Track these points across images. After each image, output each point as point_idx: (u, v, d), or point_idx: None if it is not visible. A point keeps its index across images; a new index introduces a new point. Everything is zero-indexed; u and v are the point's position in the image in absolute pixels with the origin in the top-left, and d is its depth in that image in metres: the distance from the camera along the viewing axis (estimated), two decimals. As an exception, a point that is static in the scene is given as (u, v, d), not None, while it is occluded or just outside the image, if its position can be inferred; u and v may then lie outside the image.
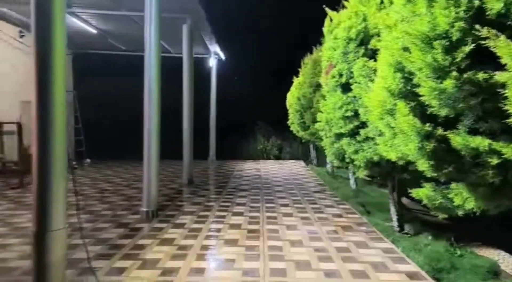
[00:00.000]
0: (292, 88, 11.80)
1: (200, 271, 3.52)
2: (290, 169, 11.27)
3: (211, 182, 8.74)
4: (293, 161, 13.44)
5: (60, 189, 2.74)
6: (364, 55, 4.31)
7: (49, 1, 2.62)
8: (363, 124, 4.53)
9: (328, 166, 10.53)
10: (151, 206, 5.42)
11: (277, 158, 14.01)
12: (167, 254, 3.91)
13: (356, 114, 4.56)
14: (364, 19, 4.35)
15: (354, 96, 4.49)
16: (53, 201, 2.70)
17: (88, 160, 11.46)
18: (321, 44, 9.26)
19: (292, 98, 11.53)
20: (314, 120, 8.60)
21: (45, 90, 2.65)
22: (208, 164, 11.97)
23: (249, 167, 11.45)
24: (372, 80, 3.88)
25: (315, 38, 10.10)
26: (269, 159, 13.88)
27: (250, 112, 14.20)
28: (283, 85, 12.99)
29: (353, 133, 4.70)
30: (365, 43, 4.37)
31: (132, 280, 3.28)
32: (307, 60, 10.11)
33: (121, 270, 3.47)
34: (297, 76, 11.57)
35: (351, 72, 4.47)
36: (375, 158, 4.32)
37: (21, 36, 9.63)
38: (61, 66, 2.69)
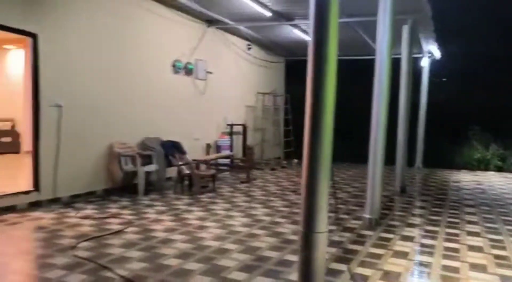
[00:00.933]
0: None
1: (451, 295, 3.24)
2: (521, 184, 9.46)
3: (426, 192, 8.10)
4: (522, 174, 11.27)
5: (324, 195, 2.92)
6: None
7: (327, 13, 2.82)
8: None
9: None
10: (374, 214, 5.36)
11: (499, 169, 11.99)
12: (406, 268, 3.76)
13: None
14: None
15: None
16: (319, 206, 2.89)
17: (296, 160, 12.29)
18: None
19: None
20: None
21: (318, 96, 2.86)
22: (414, 171, 11.19)
23: (466, 178, 10.17)
24: None
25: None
26: (488, 170, 12.01)
27: (463, 116, 12.62)
28: (505, 86, 11.11)
29: None
30: None
31: (379, 291, 3.27)
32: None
33: (364, 278, 3.50)
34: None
35: None
36: None
37: (249, 49, 11.07)
38: (332, 74, 2.87)
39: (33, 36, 5.54)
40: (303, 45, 11.22)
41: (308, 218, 2.93)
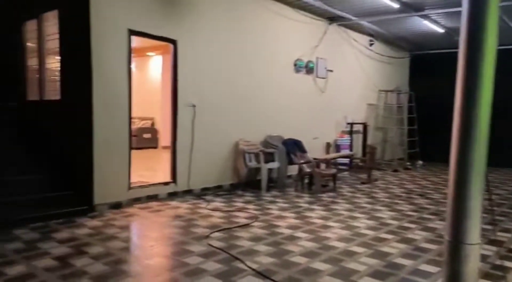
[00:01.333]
0: None
1: None
2: None
3: None
4: None
5: (478, 201, 2.58)
6: None
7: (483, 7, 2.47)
8: None
9: None
10: (528, 227, 4.61)
11: None
12: None
13: None
14: None
15: None
16: (470, 214, 2.57)
17: (420, 162, 11.34)
18: None
19: None
20: None
21: (472, 93, 2.54)
22: None
23: None
24: None
25: None
26: None
27: None
28: None
29: None
30: None
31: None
32: None
33: (521, 301, 3.02)
34: None
35: None
36: None
37: (371, 44, 10.58)
38: (490, 68, 2.50)
39: (174, 42, 6.13)
40: (432, 37, 10.33)
41: (456, 226, 2.62)
